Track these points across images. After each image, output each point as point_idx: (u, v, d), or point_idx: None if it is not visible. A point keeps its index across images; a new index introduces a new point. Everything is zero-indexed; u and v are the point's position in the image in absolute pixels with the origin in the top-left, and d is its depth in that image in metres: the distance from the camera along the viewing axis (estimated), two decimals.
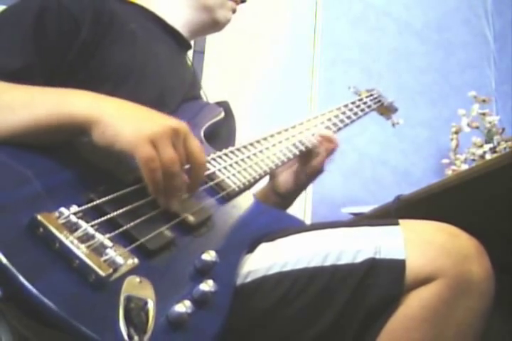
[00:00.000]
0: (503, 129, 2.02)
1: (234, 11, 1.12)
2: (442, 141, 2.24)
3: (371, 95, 1.34)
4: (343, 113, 1.19)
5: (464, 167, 1.97)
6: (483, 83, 2.48)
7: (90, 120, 0.65)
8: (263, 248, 0.78)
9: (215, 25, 1.11)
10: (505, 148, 1.91)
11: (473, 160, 1.99)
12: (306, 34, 2.19)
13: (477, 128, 2.06)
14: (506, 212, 1.27)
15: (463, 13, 2.57)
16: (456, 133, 2.10)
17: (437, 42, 2.46)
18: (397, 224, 0.74)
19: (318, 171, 1.05)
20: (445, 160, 2.10)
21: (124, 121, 0.66)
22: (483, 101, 2.09)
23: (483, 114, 2.05)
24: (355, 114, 1.22)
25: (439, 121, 2.31)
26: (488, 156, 1.93)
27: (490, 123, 2.03)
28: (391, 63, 2.33)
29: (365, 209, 1.67)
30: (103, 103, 0.69)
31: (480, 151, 1.97)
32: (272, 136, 1.01)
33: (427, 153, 2.26)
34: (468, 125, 2.07)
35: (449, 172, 2.03)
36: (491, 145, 1.97)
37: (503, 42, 2.52)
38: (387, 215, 1.41)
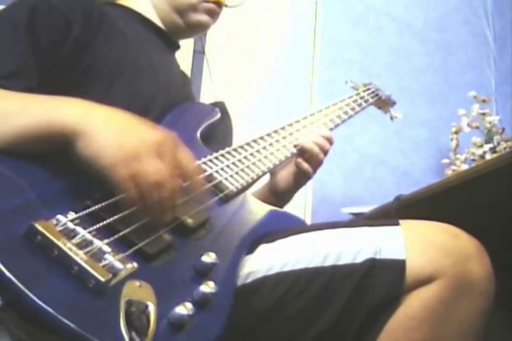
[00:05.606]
0: (503, 129, 2.02)
1: (211, 12, 1.05)
2: (442, 141, 2.24)
3: (368, 89, 1.32)
4: (340, 108, 1.17)
5: (464, 167, 1.97)
6: (483, 83, 2.48)
7: (76, 131, 0.64)
8: (263, 249, 0.78)
9: (190, 28, 1.07)
10: (505, 148, 1.91)
11: (473, 160, 1.99)
12: (306, 34, 2.19)
13: (477, 128, 2.06)
14: (506, 212, 1.27)
15: (463, 13, 2.57)
16: (456, 133, 2.10)
17: (437, 43, 2.46)
18: (397, 224, 0.74)
19: (312, 171, 1.04)
20: (445, 160, 2.10)
21: (109, 137, 0.64)
22: (483, 101, 2.09)
23: (483, 114, 2.05)
24: (353, 109, 1.20)
25: (439, 121, 2.31)
26: (488, 156, 1.93)
27: (490, 123, 2.03)
28: (391, 63, 2.33)
29: (365, 209, 1.66)
30: (92, 113, 0.68)
31: (480, 151, 1.97)
32: (269, 134, 1.00)
33: (427, 153, 2.25)
34: (468, 125, 2.07)
35: (449, 172, 2.03)
36: (491, 145, 1.97)
37: (503, 42, 2.52)
38: (387, 215, 1.41)
